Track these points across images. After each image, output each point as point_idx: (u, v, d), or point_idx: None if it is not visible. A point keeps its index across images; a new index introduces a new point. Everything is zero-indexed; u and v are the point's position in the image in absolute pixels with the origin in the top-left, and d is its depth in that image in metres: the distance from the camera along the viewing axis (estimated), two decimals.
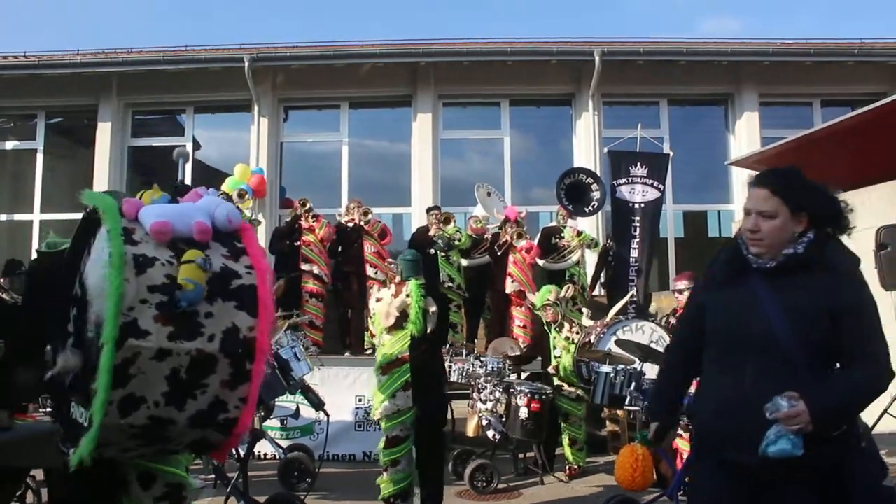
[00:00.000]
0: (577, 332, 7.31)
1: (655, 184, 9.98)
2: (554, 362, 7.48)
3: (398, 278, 5.85)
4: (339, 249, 9.91)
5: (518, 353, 8.02)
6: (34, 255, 8.63)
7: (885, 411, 7.64)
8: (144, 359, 2.85)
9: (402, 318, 5.59)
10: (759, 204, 2.69)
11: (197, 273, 3.10)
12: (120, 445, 2.95)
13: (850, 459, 2.62)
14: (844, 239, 2.78)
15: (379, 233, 9.93)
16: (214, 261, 3.20)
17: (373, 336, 6.08)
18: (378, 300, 5.84)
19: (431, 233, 9.49)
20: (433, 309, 5.59)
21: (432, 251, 9.38)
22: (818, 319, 2.58)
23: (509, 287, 9.52)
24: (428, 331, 5.57)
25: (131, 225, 3.02)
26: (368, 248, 9.76)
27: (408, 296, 5.60)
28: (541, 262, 9.83)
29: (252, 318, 3.28)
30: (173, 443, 3.14)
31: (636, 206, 9.86)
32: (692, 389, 5.60)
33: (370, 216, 9.92)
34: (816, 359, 2.61)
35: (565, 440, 7.34)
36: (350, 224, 9.93)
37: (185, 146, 3.36)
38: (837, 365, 2.67)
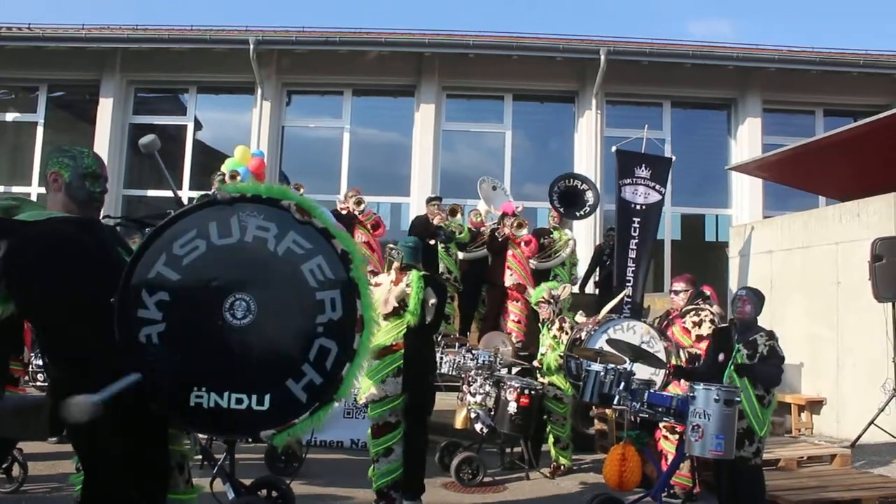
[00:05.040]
0: (566, 333, 7.31)
1: (657, 187, 9.98)
2: (539, 358, 7.50)
3: (396, 264, 5.84)
4: None
5: (514, 351, 8.04)
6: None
7: (871, 422, 7.70)
8: None
9: (400, 307, 5.61)
10: None
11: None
12: None
13: None
14: None
15: (372, 223, 9.83)
16: None
17: None
18: (376, 285, 5.81)
19: (436, 222, 9.47)
20: (433, 301, 5.60)
21: (432, 242, 9.37)
22: None
23: (508, 280, 9.53)
24: (426, 321, 5.61)
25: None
26: (358, 237, 9.66)
27: (408, 285, 5.61)
28: (530, 262, 9.86)
29: None
30: None
31: (638, 207, 9.87)
32: (681, 391, 5.65)
33: (364, 206, 9.82)
34: None
35: (550, 439, 7.36)
36: (344, 212, 9.82)
37: (155, 137, 3.27)
38: None
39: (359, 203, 9.74)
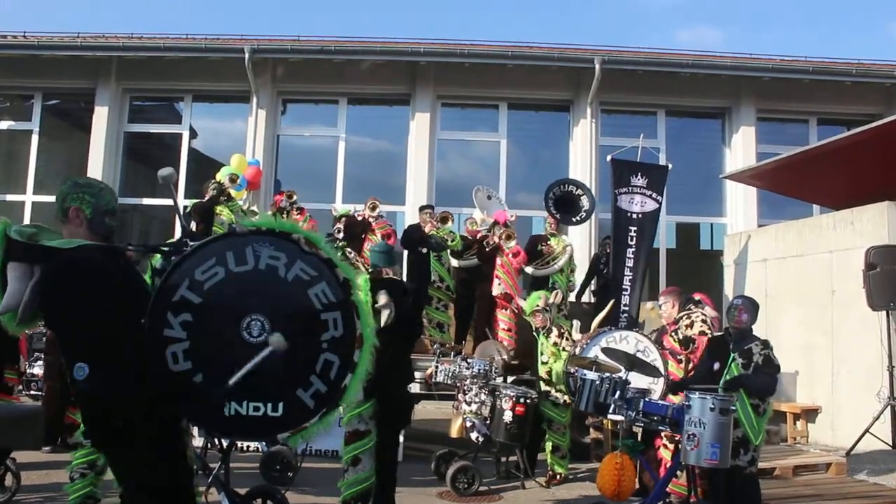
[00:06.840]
0: (566, 339, 7.31)
1: (654, 195, 9.98)
2: (544, 368, 7.42)
3: (361, 268, 5.71)
4: (343, 240, 9.83)
5: (508, 359, 8.00)
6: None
7: (866, 430, 7.71)
8: None
9: None
10: None
11: None
12: None
13: None
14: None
15: (383, 234, 9.84)
16: None
17: None
18: None
19: (427, 230, 9.48)
20: (383, 301, 5.27)
21: (424, 250, 9.37)
22: None
23: (496, 289, 9.51)
24: (381, 324, 5.19)
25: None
26: (368, 246, 9.71)
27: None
28: (527, 269, 9.85)
29: None
30: None
31: (634, 216, 9.87)
32: (678, 400, 5.65)
33: (378, 211, 9.93)
34: None
35: (548, 447, 7.33)
36: (360, 218, 9.96)
37: (173, 171, 3.49)
38: None
39: (373, 208, 9.91)
